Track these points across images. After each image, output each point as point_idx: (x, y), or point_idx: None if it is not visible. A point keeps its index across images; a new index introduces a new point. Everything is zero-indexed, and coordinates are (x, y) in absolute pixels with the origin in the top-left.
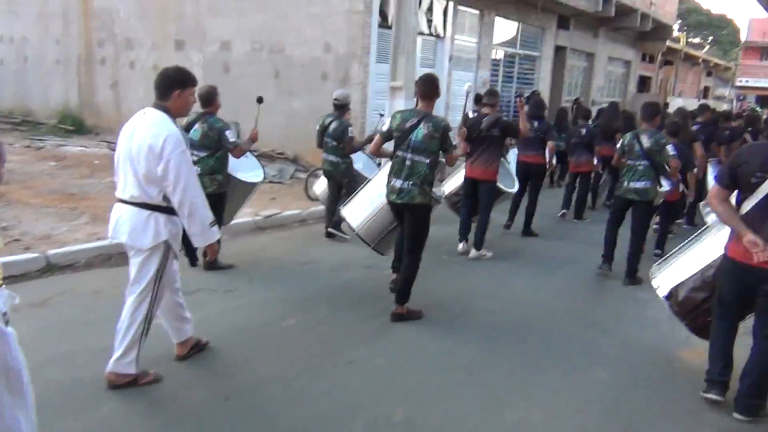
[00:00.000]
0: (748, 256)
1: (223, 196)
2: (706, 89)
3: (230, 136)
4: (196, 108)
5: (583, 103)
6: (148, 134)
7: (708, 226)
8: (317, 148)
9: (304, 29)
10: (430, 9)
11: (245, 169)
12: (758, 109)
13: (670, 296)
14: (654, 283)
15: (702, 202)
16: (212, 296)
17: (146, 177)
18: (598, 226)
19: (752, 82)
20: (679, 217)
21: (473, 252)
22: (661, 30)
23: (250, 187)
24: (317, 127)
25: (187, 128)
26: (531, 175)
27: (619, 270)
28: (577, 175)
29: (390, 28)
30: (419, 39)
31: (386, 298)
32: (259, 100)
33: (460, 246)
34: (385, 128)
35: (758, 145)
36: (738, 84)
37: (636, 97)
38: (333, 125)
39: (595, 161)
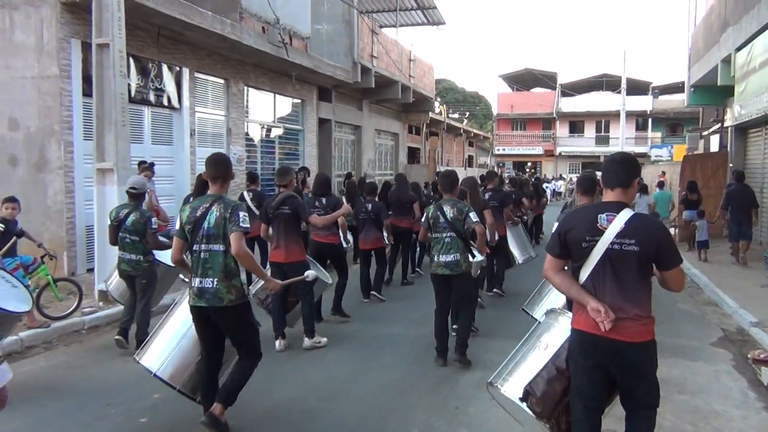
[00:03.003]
0: (597, 326)
1: None
2: (470, 158)
3: None
4: None
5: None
6: None
7: (540, 322)
8: (111, 245)
9: None
10: (158, 76)
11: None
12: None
13: (527, 396)
14: (503, 390)
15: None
16: None
17: None
18: (400, 303)
19: (508, 150)
20: (483, 287)
21: (307, 341)
22: (423, 102)
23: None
24: (109, 221)
25: None
26: (328, 256)
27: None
28: (370, 253)
29: None
30: (147, 111)
31: None
32: None
33: (277, 344)
34: (177, 226)
35: (583, 209)
36: (496, 152)
37: (407, 168)
38: (131, 217)
39: (385, 235)
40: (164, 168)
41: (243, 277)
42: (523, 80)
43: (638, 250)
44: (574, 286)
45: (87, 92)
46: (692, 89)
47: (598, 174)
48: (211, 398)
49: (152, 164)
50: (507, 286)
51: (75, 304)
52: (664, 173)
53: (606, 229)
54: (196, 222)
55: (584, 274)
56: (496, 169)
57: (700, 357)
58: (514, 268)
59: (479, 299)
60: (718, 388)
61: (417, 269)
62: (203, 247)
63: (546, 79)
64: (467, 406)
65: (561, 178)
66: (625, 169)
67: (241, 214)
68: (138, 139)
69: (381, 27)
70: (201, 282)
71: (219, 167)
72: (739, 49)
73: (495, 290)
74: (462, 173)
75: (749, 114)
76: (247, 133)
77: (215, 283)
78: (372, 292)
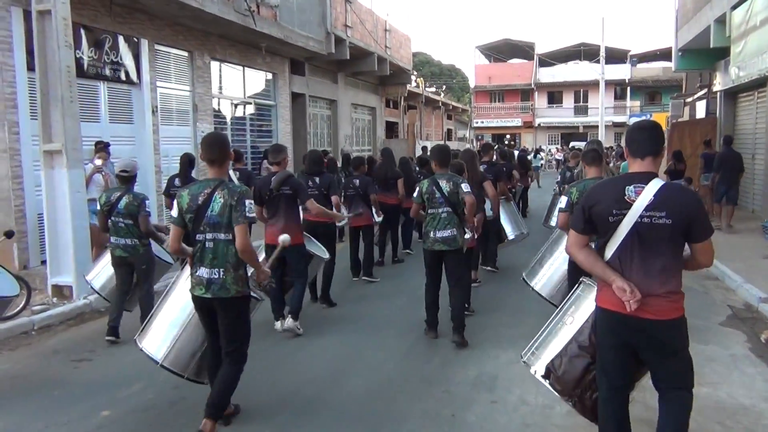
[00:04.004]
0: (622, 304)
1: None
2: (449, 131)
3: None
4: None
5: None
6: None
7: (572, 297)
8: (102, 232)
9: None
10: (114, 48)
11: None
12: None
13: (548, 374)
14: (533, 369)
15: (526, 273)
16: None
17: None
18: (395, 281)
19: (486, 123)
20: (481, 263)
21: (289, 321)
22: (400, 74)
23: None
24: (99, 206)
25: None
26: (320, 235)
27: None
28: (359, 230)
29: None
30: (103, 87)
31: None
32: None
33: (278, 325)
34: (174, 213)
35: (607, 182)
36: (475, 125)
37: (386, 143)
38: (124, 200)
39: (374, 213)
40: (125, 148)
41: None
42: (500, 51)
43: (670, 222)
44: (598, 263)
45: (32, 66)
46: (680, 53)
47: (580, 144)
48: None
49: (107, 145)
50: (500, 261)
51: (23, 301)
52: None
53: (634, 201)
54: (198, 210)
55: (610, 250)
56: (475, 143)
57: (711, 339)
58: (504, 245)
59: (477, 279)
60: (740, 378)
61: (408, 250)
62: (208, 236)
63: (526, 48)
64: (464, 413)
65: (541, 150)
66: (655, 136)
67: (248, 202)
68: (94, 118)
69: None
70: (208, 273)
71: (214, 149)
72: (735, 7)
73: (489, 268)
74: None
75: (749, 75)
76: (215, 110)
77: (222, 273)
78: (363, 277)
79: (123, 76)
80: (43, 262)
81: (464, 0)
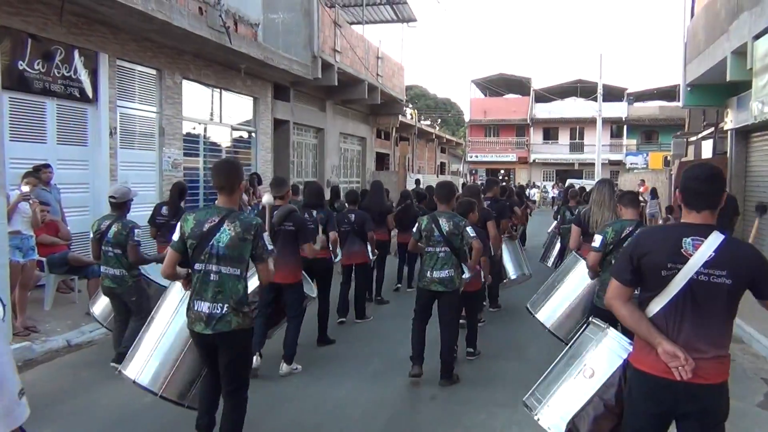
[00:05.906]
0: (669, 369)
1: None
2: (443, 165)
3: None
4: None
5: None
6: None
7: (579, 338)
8: (95, 260)
9: None
10: (66, 62)
11: None
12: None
13: None
14: (539, 418)
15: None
16: None
17: None
18: (386, 322)
19: (481, 157)
20: (482, 306)
21: (284, 367)
22: (392, 104)
23: None
24: (91, 234)
25: None
26: (317, 272)
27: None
28: (352, 268)
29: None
30: (52, 104)
31: None
32: None
33: (255, 360)
34: (175, 237)
35: (659, 230)
36: (469, 159)
37: (375, 175)
38: (113, 228)
39: (369, 249)
40: (76, 173)
41: None
42: (496, 85)
43: (730, 283)
44: (643, 321)
45: None
46: (688, 89)
47: (582, 183)
48: (208, 415)
49: (40, 167)
50: (504, 299)
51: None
52: (644, 182)
53: (691, 256)
54: (202, 237)
55: (656, 306)
56: (468, 177)
57: (752, 429)
58: (505, 285)
59: (482, 319)
60: None
61: (399, 285)
62: (213, 267)
63: (523, 81)
64: None
65: (534, 185)
66: (717, 189)
67: (266, 236)
68: (39, 138)
69: (350, 24)
70: (209, 308)
71: (222, 176)
72: (758, 36)
73: (490, 308)
74: (434, 181)
75: None
76: (186, 134)
77: (226, 308)
78: (356, 320)
79: (77, 93)
80: None
81: (461, 34)
